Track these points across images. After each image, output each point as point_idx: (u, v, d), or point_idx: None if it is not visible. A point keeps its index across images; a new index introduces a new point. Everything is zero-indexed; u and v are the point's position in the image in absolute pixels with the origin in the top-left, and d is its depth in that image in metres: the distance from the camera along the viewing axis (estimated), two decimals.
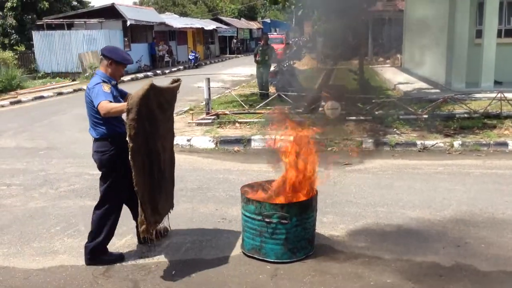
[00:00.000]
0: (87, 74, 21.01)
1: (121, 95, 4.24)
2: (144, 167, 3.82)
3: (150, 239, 4.02)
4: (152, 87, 3.72)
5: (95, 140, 4.13)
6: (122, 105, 3.77)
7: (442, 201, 5.47)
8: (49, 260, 4.27)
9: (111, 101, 3.84)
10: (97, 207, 4.19)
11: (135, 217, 4.34)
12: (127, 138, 3.70)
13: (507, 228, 4.68)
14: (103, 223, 4.14)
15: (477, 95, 11.11)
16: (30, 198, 6.00)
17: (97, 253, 4.16)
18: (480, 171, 6.64)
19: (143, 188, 3.80)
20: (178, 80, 4.31)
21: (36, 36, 22.74)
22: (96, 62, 21.35)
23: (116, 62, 4.04)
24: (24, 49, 24.11)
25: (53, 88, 18.38)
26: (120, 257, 4.24)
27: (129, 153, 3.68)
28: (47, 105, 14.73)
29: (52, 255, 4.38)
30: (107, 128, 4.02)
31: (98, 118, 4.00)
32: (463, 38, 12.15)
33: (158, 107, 3.90)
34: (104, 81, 3.97)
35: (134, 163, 3.71)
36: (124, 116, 3.76)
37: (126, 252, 4.38)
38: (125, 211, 5.39)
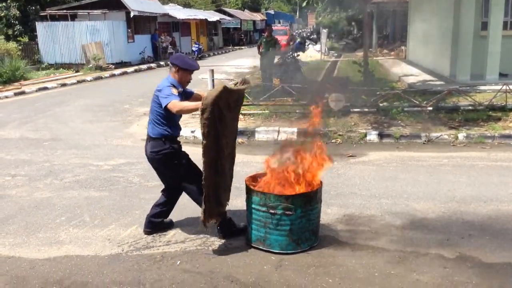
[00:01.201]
0: (91, 65, 21.01)
1: (186, 97, 4.41)
2: (212, 163, 4.02)
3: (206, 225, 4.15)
4: (225, 89, 3.89)
5: (151, 139, 4.36)
6: (196, 104, 3.98)
7: (446, 193, 5.47)
8: (55, 250, 4.30)
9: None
10: (189, 193, 4.44)
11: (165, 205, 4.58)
12: (201, 137, 3.93)
13: None
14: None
15: (482, 87, 11.06)
16: (35, 188, 6.03)
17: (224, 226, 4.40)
18: (485, 163, 6.62)
19: (209, 182, 4.01)
20: (246, 82, 4.41)
21: (40, 27, 22.72)
22: (100, 53, 21.35)
23: (182, 69, 4.27)
24: (28, 40, 24.09)
25: (56, 79, 18.39)
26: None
27: (202, 149, 3.90)
28: (51, 96, 14.74)
29: (58, 245, 4.41)
30: (164, 129, 4.28)
31: (160, 119, 4.26)
32: (468, 30, 12.07)
33: (227, 107, 4.08)
34: (173, 85, 4.20)
35: (205, 159, 3.94)
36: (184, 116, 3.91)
37: (132, 242, 4.40)
38: (128, 201, 5.42)
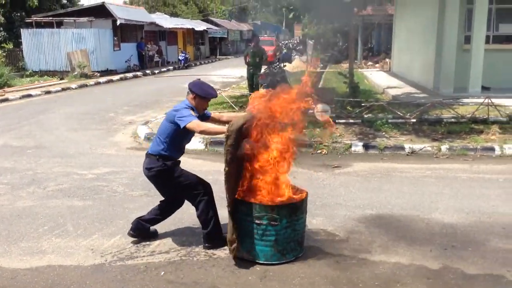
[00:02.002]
0: (76, 73, 20.86)
1: (204, 119, 4.42)
2: (234, 189, 4.07)
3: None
4: (252, 119, 4.01)
5: (147, 155, 4.42)
6: (221, 128, 4.08)
7: (429, 205, 5.53)
8: (37, 260, 4.24)
9: None
10: (195, 207, 4.41)
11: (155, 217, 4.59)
12: (224, 163, 3.96)
13: (494, 232, 4.74)
14: (205, 217, 4.35)
15: (465, 100, 11.24)
16: (18, 197, 5.94)
17: (213, 239, 4.39)
18: (467, 175, 6.72)
19: (232, 209, 4.04)
20: None
21: (25, 33, 22.52)
22: (85, 61, 21.22)
23: (199, 97, 4.27)
24: (12, 46, 23.84)
25: (41, 87, 18.21)
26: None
27: (225, 176, 3.94)
28: (35, 103, 14.59)
29: (40, 254, 4.35)
30: (164, 150, 4.28)
31: (166, 139, 4.27)
32: (451, 44, 12.29)
33: (247, 135, 4.13)
34: (191, 108, 4.22)
35: (228, 185, 3.97)
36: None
37: (115, 252, 4.36)
38: (112, 211, 5.37)
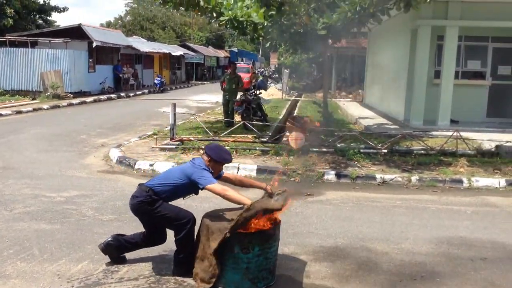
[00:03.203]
0: (48, 93, 20.59)
1: (216, 178, 4.44)
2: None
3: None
4: (276, 209, 4.11)
5: (139, 185, 4.44)
6: (243, 199, 4.06)
7: (400, 235, 5.60)
8: (0, 285, 4.09)
9: None
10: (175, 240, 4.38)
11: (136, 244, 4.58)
12: (228, 228, 3.95)
13: (461, 263, 4.83)
14: (183, 242, 4.33)
15: (434, 133, 11.54)
16: None
17: (183, 266, 4.35)
18: (436, 206, 6.85)
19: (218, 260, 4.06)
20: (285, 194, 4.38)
21: None
22: (58, 81, 20.99)
23: (214, 161, 4.32)
24: None
25: (12, 106, 17.89)
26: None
27: (222, 239, 3.95)
28: (5, 123, 14.28)
29: (4, 279, 4.20)
30: (161, 190, 4.29)
31: (169, 184, 4.30)
32: (422, 78, 12.67)
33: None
34: (208, 171, 4.26)
35: (219, 245, 3.98)
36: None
37: (82, 278, 4.24)
38: (80, 235, 5.25)
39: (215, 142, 10.01)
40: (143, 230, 4.59)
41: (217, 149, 4.42)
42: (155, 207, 4.27)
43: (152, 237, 4.53)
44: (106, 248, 4.53)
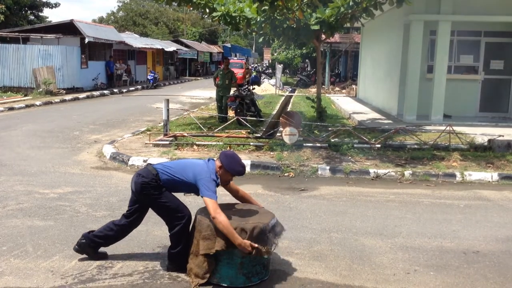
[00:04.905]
0: (41, 89, 20.47)
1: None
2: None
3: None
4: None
5: (148, 165, 4.44)
6: (236, 237, 3.88)
7: (393, 229, 5.63)
8: None
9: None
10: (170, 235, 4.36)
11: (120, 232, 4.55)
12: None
13: (455, 256, 4.85)
14: (177, 238, 4.31)
15: (427, 127, 11.59)
16: None
17: (177, 260, 4.35)
18: (430, 200, 6.88)
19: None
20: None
21: None
22: (51, 77, 20.86)
23: (225, 170, 4.23)
24: None
25: (4, 103, 17.77)
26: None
27: (204, 252, 4.00)
28: None
29: None
30: (169, 180, 4.26)
31: (179, 177, 4.25)
32: (415, 73, 12.71)
33: None
34: (215, 181, 4.18)
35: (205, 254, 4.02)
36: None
37: (76, 274, 4.23)
38: (74, 232, 5.24)
39: (215, 140, 10.01)
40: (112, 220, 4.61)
41: (232, 158, 4.26)
42: (159, 193, 4.25)
43: (131, 219, 4.46)
44: (80, 248, 4.53)
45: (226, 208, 4.33)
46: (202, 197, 4.08)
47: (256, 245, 3.89)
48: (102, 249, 4.61)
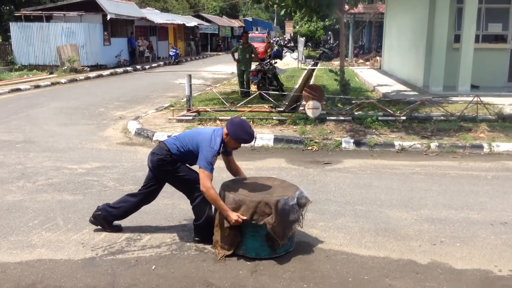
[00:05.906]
0: (65, 67, 20.73)
1: (226, 155, 4.53)
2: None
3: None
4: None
5: (159, 142, 4.54)
6: (225, 209, 4.00)
7: (419, 201, 5.58)
8: (27, 254, 4.22)
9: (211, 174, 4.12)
10: (192, 207, 4.44)
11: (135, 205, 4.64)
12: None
13: (481, 228, 4.81)
14: (199, 210, 4.38)
15: (454, 99, 11.35)
16: (7, 191, 5.90)
17: (203, 233, 4.41)
18: (456, 172, 6.79)
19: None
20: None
21: (14, 27, 22.31)
22: (75, 55, 21.09)
23: (231, 137, 4.20)
24: (1, 40, 23.63)
25: (30, 81, 18.07)
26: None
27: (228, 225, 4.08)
28: (24, 97, 14.48)
29: (30, 248, 4.33)
30: (177, 154, 4.31)
31: (187, 148, 4.29)
32: (441, 42, 12.38)
33: None
34: (217, 154, 4.21)
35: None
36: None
37: (106, 246, 4.35)
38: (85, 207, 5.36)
39: (238, 115, 10.02)
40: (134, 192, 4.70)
41: (237, 126, 4.19)
42: (176, 167, 4.33)
43: (146, 192, 4.55)
44: (96, 220, 4.63)
45: (250, 181, 4.35)
46: (198, 166, 4.14)
47: (244, 217, 3.96)
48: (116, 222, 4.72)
